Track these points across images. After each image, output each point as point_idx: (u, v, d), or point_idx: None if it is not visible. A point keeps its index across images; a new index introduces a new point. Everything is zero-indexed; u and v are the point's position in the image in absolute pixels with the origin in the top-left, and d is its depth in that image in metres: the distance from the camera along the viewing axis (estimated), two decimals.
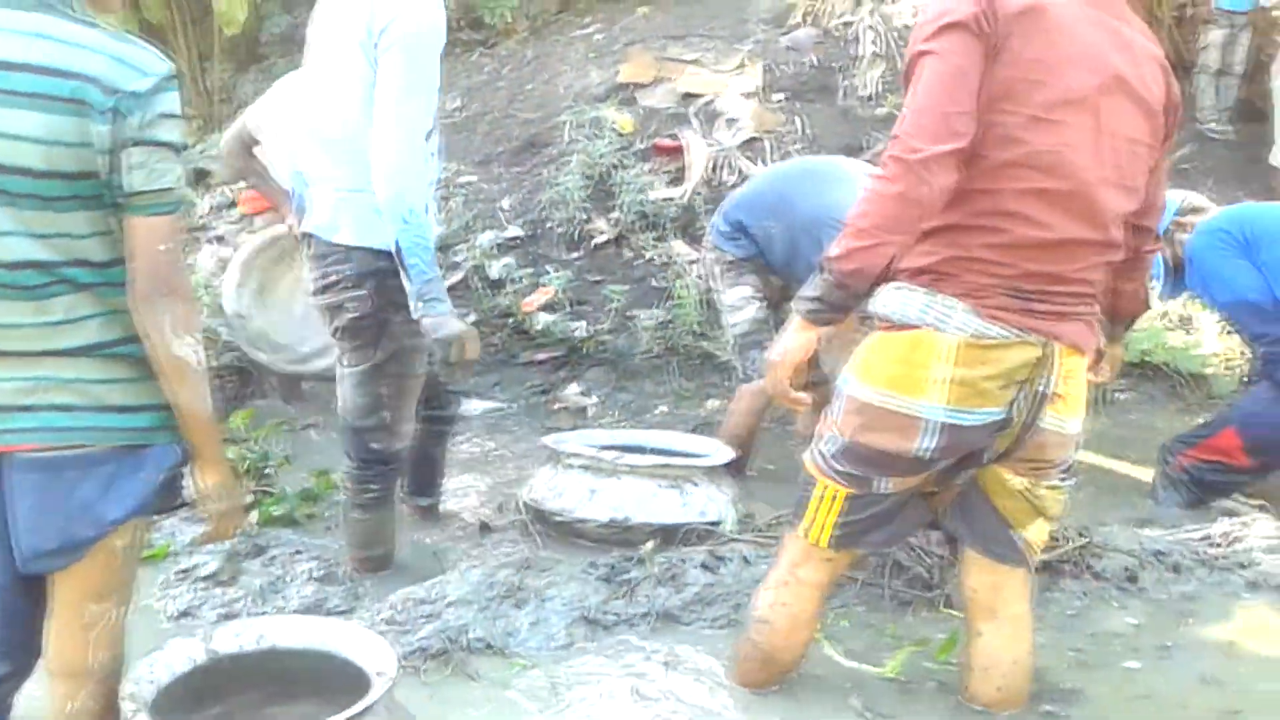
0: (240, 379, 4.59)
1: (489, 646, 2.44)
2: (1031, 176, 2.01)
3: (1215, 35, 6.82)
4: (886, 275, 2.01)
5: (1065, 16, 2.02)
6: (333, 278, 2.78)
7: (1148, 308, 2.47)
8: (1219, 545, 3.12)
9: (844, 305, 2.04)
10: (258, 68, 7.31)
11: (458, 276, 5.11)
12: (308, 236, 2.84)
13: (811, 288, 2.04)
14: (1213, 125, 6.93)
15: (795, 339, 2.11)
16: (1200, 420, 3.91)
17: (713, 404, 4.50)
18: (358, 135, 2.63)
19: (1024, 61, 1.98)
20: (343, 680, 1.82)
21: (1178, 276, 3.67)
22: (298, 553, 2.89)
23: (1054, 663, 2.48)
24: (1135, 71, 2.08)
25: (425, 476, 3.34)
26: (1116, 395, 4.69)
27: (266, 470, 3.53)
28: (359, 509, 2.96)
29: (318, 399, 4.51)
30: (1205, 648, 2.64)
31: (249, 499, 3.27)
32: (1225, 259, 3.55)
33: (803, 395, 2.20)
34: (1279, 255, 3.48)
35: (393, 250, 2.62)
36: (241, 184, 5.12)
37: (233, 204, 6.18)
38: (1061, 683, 2.40)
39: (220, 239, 5.87)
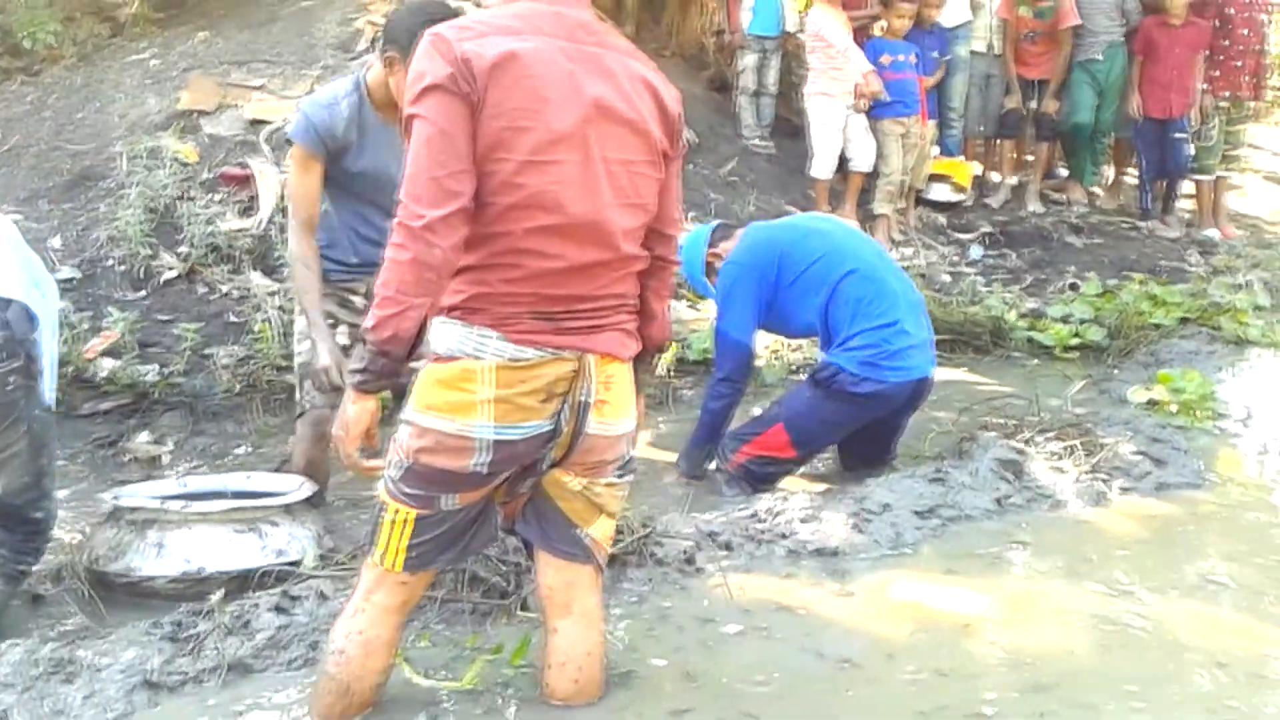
0: None
1: None
2: (536, 215, 2.14)
3: (749, 59, 7.52)
4: (425, 332, 2.09)
5: (539, 59, 2.14)
6: None
7: (670, 336, 2.60)
8: (764, 520, 3.46)
9: (391, 371, 2.11)
10: None
11: None
12: None
13: (357, 360, 2.11)
14: (755, 141, 7.67)
15: (354, 411, 2.16)
16: (755, 411, 4.32)
17: None
18: None
19: (507, 111, 2.10)
20: None
21: None
22: None
23: (618, 650, 2.66)
24: (620, 96, 2.22)
25: None
26: (683, 393, 5.08)
27: None
28: (3, 579, 2.82)
29: None
30: (731, 619, 2.90)
31: None
32: (739, 291, 3.98)
33: (377, 462, 2.24)
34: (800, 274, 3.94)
35: None
36: None
37: None
38: (618, 668, 2.57)
39: None
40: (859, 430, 4.03)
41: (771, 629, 2.86)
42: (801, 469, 4.11)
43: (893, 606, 3.02)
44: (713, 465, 4.10)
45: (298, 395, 3.66)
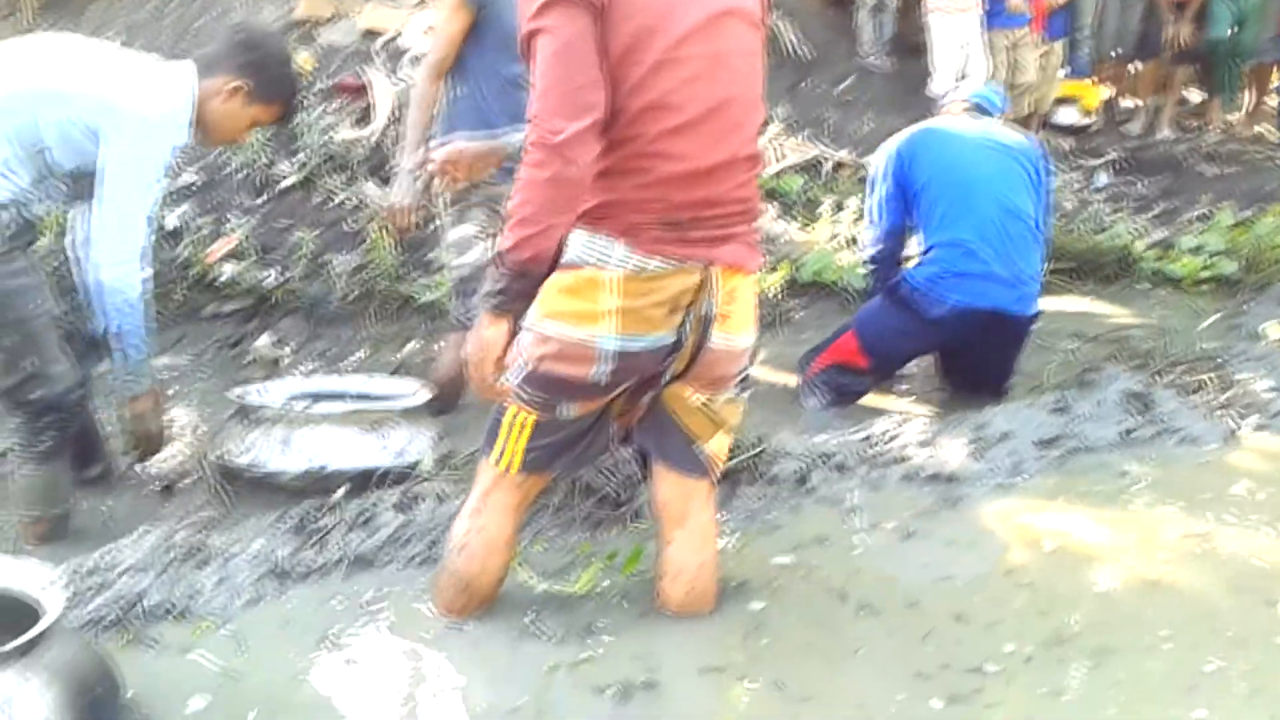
0: None
1: (170, 611, 2.34)
2: (667, 117, 2.09)
3: None
4: (562, 250, 2.08)
5: None
6: None
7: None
8: (879, 444, 3.41)
9: (528, 292, 2.11)
10: None
11: None
12: None
13: (493, 282, 2.09)
14: (872, 59, 7.42)
15: (490, 334, 2.15)
16: None
17: (412, 346, 4.46)
18: None
19: (636, 13, 2.04)
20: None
21: None
22: None
23: (733, 564, 2.66)
24: None
25: (81, 446, 3.05)
26: (793, 315, 5.01)
27: None
28: (33, 462, 2.79)
29: None
30: (852, 538, 2.88)
31: None
32: (880, 176, 4.02)
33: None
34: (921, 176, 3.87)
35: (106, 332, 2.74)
36: None
37: None
38: (734, 580, 2.57)
39: None
40: (953, 354, 4.01)
41: (822, 565, 2.74)
42: (892, 386, 4.13)
43: (993, 537, 2.94)
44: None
45: (451, 305, 3.69)
